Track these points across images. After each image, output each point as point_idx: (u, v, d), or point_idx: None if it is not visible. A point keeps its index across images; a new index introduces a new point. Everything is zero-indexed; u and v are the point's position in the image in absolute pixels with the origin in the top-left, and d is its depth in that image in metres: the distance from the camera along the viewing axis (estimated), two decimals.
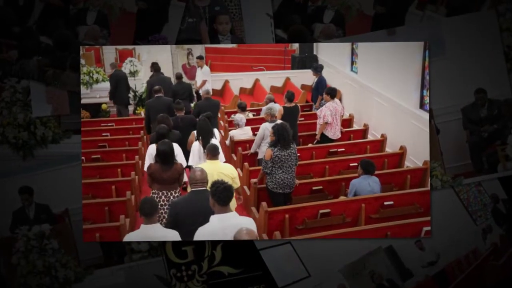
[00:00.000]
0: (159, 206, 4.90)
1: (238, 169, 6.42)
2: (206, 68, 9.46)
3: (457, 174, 4.89)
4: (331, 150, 7.01)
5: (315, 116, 7.71)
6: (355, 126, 8.19)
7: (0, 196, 4.74)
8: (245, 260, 4.66)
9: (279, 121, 6.42)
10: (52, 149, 4.82)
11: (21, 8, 4.88)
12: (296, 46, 10.51)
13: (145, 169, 5.57)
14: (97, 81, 8.90)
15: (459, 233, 4.80)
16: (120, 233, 4.81)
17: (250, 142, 7.02)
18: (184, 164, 5.62)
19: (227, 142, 7.37)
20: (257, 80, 10.33)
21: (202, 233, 3.79)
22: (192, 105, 8.30)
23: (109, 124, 8.28)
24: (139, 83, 9.39)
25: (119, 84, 8.60)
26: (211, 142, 5.71)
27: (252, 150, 6.88)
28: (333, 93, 7.47)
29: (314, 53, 10.26)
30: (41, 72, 4.81)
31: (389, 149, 7.29)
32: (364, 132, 7.87)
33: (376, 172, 5.58)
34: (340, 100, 8.35)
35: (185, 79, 9.01)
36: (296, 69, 10.43)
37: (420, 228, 4.87)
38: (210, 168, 4.79)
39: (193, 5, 5.00)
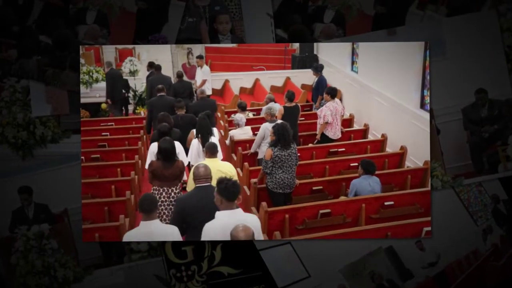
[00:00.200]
0: (160, 203, 4.95)
1: (238, 169, 6.42)
2: (206, 67, 9.45)
3: (458, 175, 4.88)
4: (331, 150, 7.00)
5: (315, 116, 7.69)
6: (356, 126, 8.18)
7: None
8: (245, 261, 4.66)
9: (279, 121, 6.41)
10: (51, 148, 4.81)
11: (20, 7, 4.87)
12: (296, 45, 10.49)
13: (146, 167, 5.59)
14: (96, 81, 8.89)
15: (460, 234, 4.80)
16: (120, 233, 4.79)
17: (250, 142, 7.01)
18: (186, 163, 5.63)
19: (227, 141, 7.37)
20: (257, 80, 10.32)
21: (210, 229, 3.79)
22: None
23: (108, 124, 8.27)
24: (139, 83, 9.38)
25: (115, 83, 8.60)
26: (210, 140, 5.72)
27: (252, 150, 6.87)
28: (333, 93, 7.46)
29: (315, 52, 10.24)
30: (41, 72, 4.80)
31: (389, 149, 7.28)
32: (364, 132, 7.86)
33: (377, 172, 5.57)
34: (341, 100, 8.34)
35: (185, 78, 9.01)
36: (296, 68, 10.41)
37: (420, 228, 4.86)
38: (209, 166, 4.78)
39: (193, 5, 4.99)
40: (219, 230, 3.75)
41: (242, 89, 10.35)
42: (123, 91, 8.98)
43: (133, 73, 9.48)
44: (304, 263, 4.69)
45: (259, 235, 3.89)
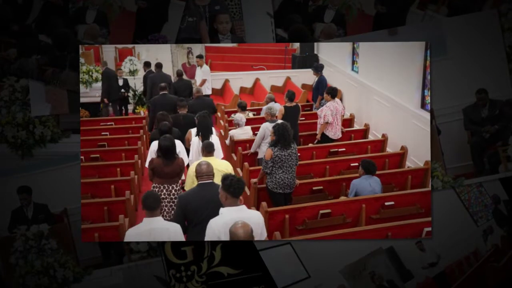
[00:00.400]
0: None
1: (238, 169, 6.42)
2: (206, 67, 9.46)
3: (458, 175, 4.87)
4: (331, 150, 6.99)
5: (315, 116, 7.68)
6: (356, 126, 8.17)
7: None
8: (245, 261, 4.65)
9: (279, 121, 6.40)
10: (51, 148, 4.81)
11: (20, 7, 4.86)
12: (296, 45, 10.50)
13: (147, 165, 5.61)
14: (96, 80, 8.89)
15: (460, 234, 4.79)
16: (119, 233, 4.78)
17: (250, 141, 7.00)
18: (187, 162, 5.64)
19: (227, 141, 7.36)
20: (257, 80, 10.32)
21: (215, 225, 3.80)
22: None
23: (108, 123, 8.27)
24: (138, 82, 9.38)
25: (111, 82, 8.60)
26: (211, 138, 5.75)
27: (252, 150, 6.86)
28: (333, 93, 7.45)
29: (315, 52, 10.24)
30: (40, 71, 4.79)
31: (390, 149, 7.27)
32: (365, 132, 7.85)
33: (377, 172, 5.56)
34: (341, 99, 8.33)
35: (184, 77, 9.01)
36: (296, 68, 10.42)
37: (421, 229, 4.85)
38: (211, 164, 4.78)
39: (193, 4, 4.98)
40: (222, 226, 3.75)
41: (242, 89, 10.35)
42: (123, 90, 8.97)
43: (133, 72, 9.48)
44: (304, 263, 4.69)
45: (263, 232, 3.91)
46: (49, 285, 4.54)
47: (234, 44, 9.51)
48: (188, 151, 6.08)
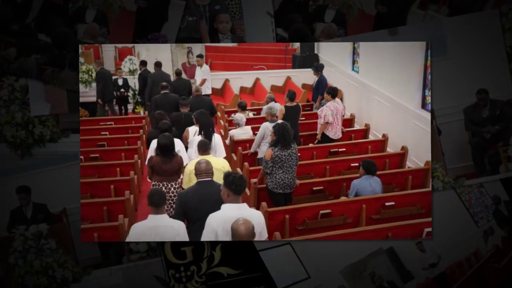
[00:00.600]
0: None
1: (238, 169, 6.40)
2: (205, 67, 9.46)
3: (459, 175, 4.87)
4: (332, 150, 6.99)
5: (316, 116, 7.67)
6: (356, 126, 8.16)
7: None
8: (245, 261, 4.64)
9: (280, 121, 6.39)
10: (50, 148, 4.80)
11: (19, 6, 4.85)
12: (297, 45, 10.50)
13: (146, 163, 5.63)
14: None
15: (461, 235, 4.78)
16: (119, 233, 4.77)
17: (250, 141, 7.00)
18: (186, 161, 5.65)
19: (227, 141, 7.35)
20: (257, 79, 10.31)
21: (214, 220, 3.81)
22: None
23: (108, 123, 8.26)
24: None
25: (106, 83, 8.59)
26: (213, 136, 5.84)
27: (252, 150, 6.85)
28: (334, 93, 7.44)
29: (315, 52, 10.24)
30: (40, 71, 4.78)
31: (390, 149, 7.26)
32: (365, 132, 7.85)
33: (377, 173, 5.55)
34: (341, 99, 8.32)
35: (183, 76, 9.01)
36: (297, 68, 10.41)
37: (421, 229, 4.84)
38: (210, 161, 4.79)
39: (193, 4, 4.97)
40: (221, 221, 3.76)
41: (242, 89, 10.34)
42: (123, 90, 8.96)
43: (132, 72, 9.47)
44: (304, 264, 4.68)
45: (264, 232, 3.91)
46: (48, 285, 4.53)
47: (234, 44, 9.49)
48: (186, 149, 6.10)
